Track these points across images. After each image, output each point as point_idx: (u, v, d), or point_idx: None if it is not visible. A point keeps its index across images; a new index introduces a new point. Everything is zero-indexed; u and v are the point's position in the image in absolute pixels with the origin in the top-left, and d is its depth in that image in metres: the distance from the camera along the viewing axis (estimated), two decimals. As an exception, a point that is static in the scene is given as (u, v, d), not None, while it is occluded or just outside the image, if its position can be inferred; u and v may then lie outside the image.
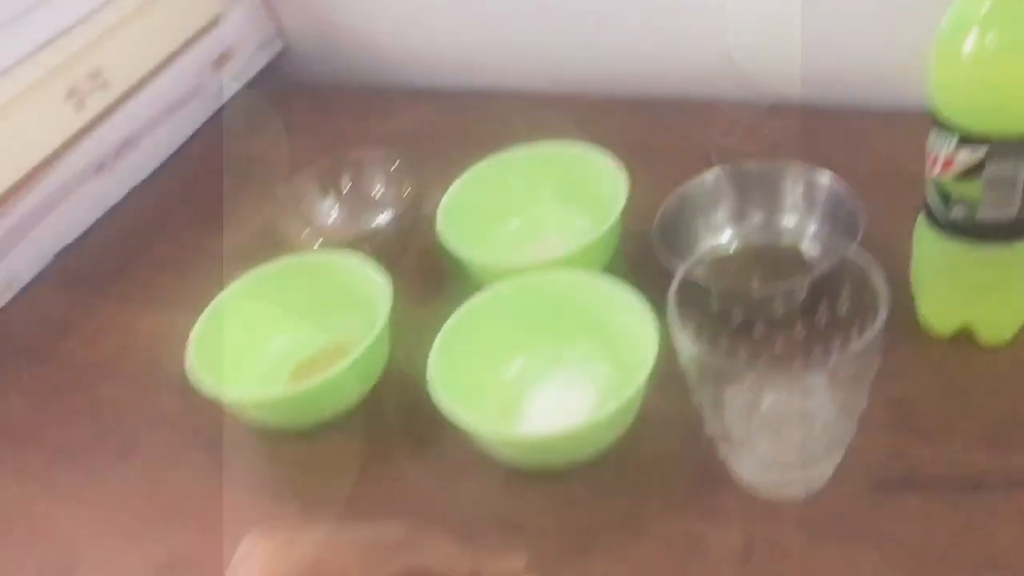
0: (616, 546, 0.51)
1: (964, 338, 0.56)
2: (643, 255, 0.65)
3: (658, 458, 0.55)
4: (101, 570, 0.58)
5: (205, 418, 0.64)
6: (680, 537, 0.51)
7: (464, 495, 0.56)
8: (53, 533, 0.60)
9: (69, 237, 0.84)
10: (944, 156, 0.48)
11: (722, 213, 0.66)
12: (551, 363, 0.61)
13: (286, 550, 0.43)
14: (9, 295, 0.80)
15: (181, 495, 0.61)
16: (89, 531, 0.60)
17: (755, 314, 0.52)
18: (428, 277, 0.71)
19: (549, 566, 0.50)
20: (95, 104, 0.84)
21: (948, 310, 0.56)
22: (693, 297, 0.49)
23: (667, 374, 0.54)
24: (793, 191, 0.64)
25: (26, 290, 0.81)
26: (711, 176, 0.66)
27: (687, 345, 0.46)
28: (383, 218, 0.72)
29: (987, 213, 0.49)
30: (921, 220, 0.54)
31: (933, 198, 0.51)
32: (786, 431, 0.49)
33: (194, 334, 0.62)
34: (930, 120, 0.50)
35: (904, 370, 0.55)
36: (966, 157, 0.48)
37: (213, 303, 0.64)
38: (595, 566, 0.50)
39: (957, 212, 0.50)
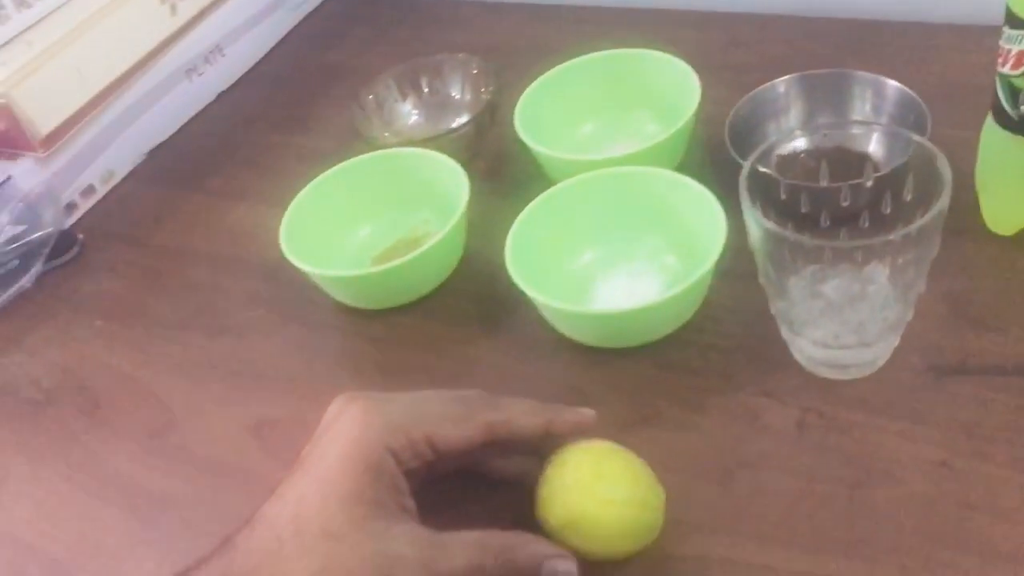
0: (678, 418, 0.54)
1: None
2: (714, 159, 0.68)
3: (721, 342, 0.58)
4: (197, 429, 0.62)
5: (292, 299, 0.69)
6: (739, 412, 0.54)
7: (537, 371, 0.60)
8: (154, 397, 0.65)
9: (162, 136, 0.89)
10: (1016, 51, 0.50)
11: (792, 118, 0.68)
12: (621, 255, 0.63)
13: (377, 407, 0.46)
14: (106, 188, 0.85)
15: (269, 366, 0.65)
16: (185, 397, 0.65)
17: (821, 205, 0.54)
18: (503, 176, 0.75)
19: (615, 434, 0.53)
20: (187, 9, 0.88)
21: (1012, 210, 0.57)
22: (761, 187, 0.52)
23: (733, 268, 0.57)
24: (861, 98, 0.66)
25: (122, 184, 0.86)
26: (782, 82, 0.68)
27: (756, 222, 0.48)
28: (461, 120, 0.75)
29: (1056, 108, 0.51)
30: (989, 120, 0.55)
31: (1002, 95, 0.53)
32: (846, 314, 0.51)
33: (284, 222, 0.66)
34: (997, 33, 0.51)
35: (964, 266, 0.57)
36: (1038, 52, 0.49)
37: (301, 193, 0.68)
38: (659, 435, 0.54)
39: (1026, 108, 0.52)
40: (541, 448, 0.48)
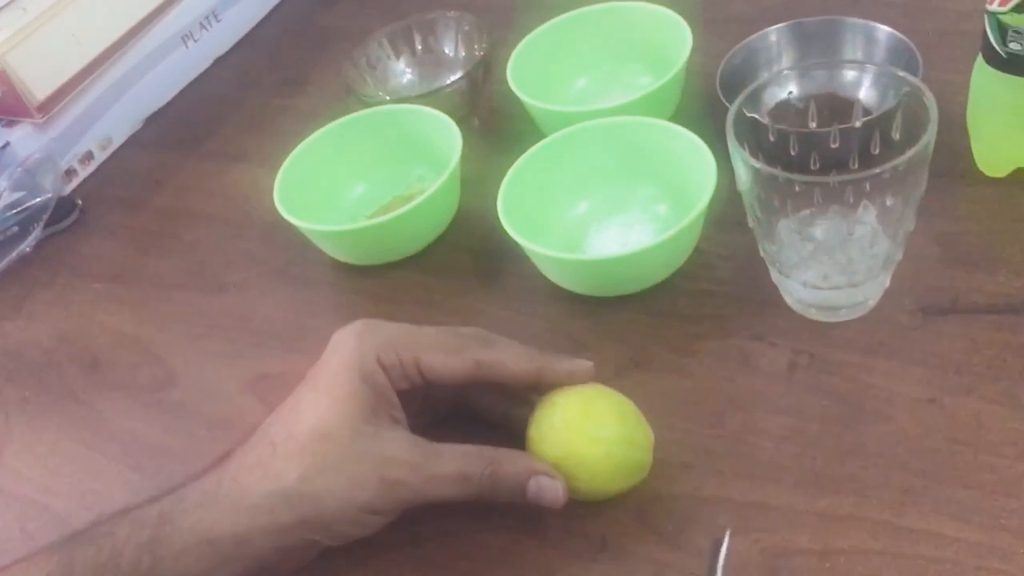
0: (671, 362, 0.55)
1: (1017, 180, 0.58)
2: (706, 110, 0.68)
3: (713, 288, 0.58)
4: (196, 385, 0.63)
5: (289, 257, 0.69)
6: (731, 355, 0.54)
7: (532, 321, 0.60)
8: (154, 354, 0.66)
9: (159, 102, 0.89)
10: (1003, -13, 0.50)
11: (784, 66, 0.67)
12: (614, 205, 0.64)
13: (373, 325, 0.48)
14: (105, 154, 0.86)
15: (267, 323, 0.66)
16: (185, 354, 0.66)
17: (810, 148, 0.54)
18: (498, 132, 0.75)
19: (608, 379, 0.53)
20: (181, -26, 0.88)
21: (1003, 151, 0.57)
22: (750, 133, 0.52)
23: (726, 216, 0.57)
24: (853, 44, 0.66)
25: (120, 150, 0.87)
26: (773, 31, 0.67)
27: (744, 161, 0.48)
28: (455, 77, 0.75)
29: (1044, 45, 0.50)
30: (979, 60, 0.55)
31: (991, 32, 0.52)
32: (837, 256, 0.52)
33: (278, 180, 0.66)
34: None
35: (955, 208, 0.57)
36: (1026, -12, 0.49)
37: (294, 152, 0.68)
38: (651, 379, 0.54)
39: (1014, 45, 0.51)
40: (533, 394, 0.49)
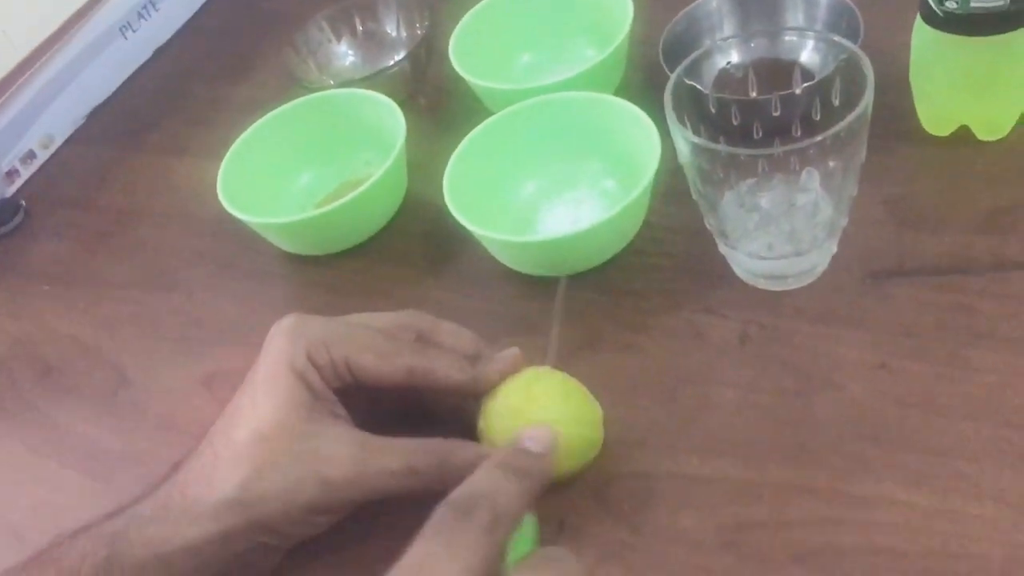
0: (622, 340, 0.54)
1: (961, 138, 0.58)
2: (651, 81, 0.67)
3: (661, 261, 0.58)
4: (150, 386, 0.62)
5: (237, 251, 0.68)
6: (682, 329, 0.54)
7: (483, 306, 0.59)
8: (106, 359, 0.65)
9: (100, 96, 0.87)
10: (937, -55, 0.49)
11: (727, 33, 0.67)
12: (562, 183, 0.63)
13: (304, 322, 0.48)
14: (47, 153, 0.84)
15: (218, 320, 0.65)
16: (137, 356, 0.65)
17: (753, 117, 0.53)
18: (445, 112, 0.74)
19: (564, 359, 0.53)
20: (115, -36, 0.86)
21: (945, 110, 0.57)
22: (691, 103, 0.51)
23: (672, 187, 0.57)
24: (794, 8, 0.66)
25: (63, 147, 0.85)
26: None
27: (685, 139, 0.48)
28: (398, 58, 0.74)
29: (979, 2, 0.50)
30: (918, 20, 0.55)
31: (927, -8, 0.52)
32: (781, 225, 0.51)
33: (221, 172, 0.65)
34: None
35: (901, 170, 0.57)
36: (959, -55, 0.49)
37: (236, 143, 0.67)
38: (603, 358, 0.54)
39: (950, 4, 0.51)
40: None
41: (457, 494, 0.38)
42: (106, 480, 0.58)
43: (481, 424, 0.47)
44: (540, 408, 0.46)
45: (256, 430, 0.44)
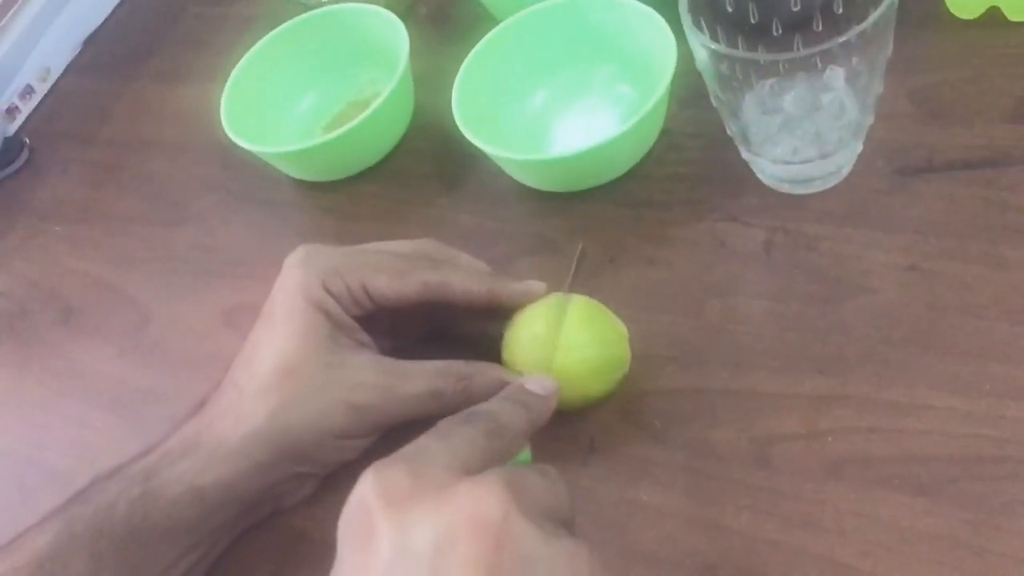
0: (645, 254, 0.53)
1: (991, 20, 0.55)
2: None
3: (682, 170, 0.56)
4: (171, 323, 0.62)
5: (247, 180, 0.67)
6: (706, 238, 0.53)
7: (500, 225, 0.58)
8: (125, 297, 0.65)
9: (94, 22, 0.85)
10: None
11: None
12: (574, 91, 0.61)
13: (316, 252, 0.48)
14: (46, 86, 0.82)
15: (233, 251, 0.64)
16: (155, 292, 0.64)
17: (772, 12, 0.51)
18: (448, 19, 0.71)
19: (584, 279, 0.52)
20: None
21: (973, -10, 0.54)
22: (707, 3, 0.49)
23: (690, 89, 0.55)
24: None
25: (61, 79, 0.83)
26: None
27: (701, 43, 0.46)
28: (396, -34, 0.71)
29: None
30: None
31: None
32: (806, 127, 0.50)
33: (224, 101, 0.64)
34: None
35: (926, 58, 0.55)
36: None
37: (237, 68, 0.65)
38: (627, 273, 0.53)
39: None
40: (490, 315, 0.48)
41: (462, 412, 0.39)
42: (134, 418, 0.58)
43: (506, 356, 0.46)
44: (564, 334, 0.45)
45: (279, 363, 0.44)
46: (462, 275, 0.47)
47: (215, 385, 0.47)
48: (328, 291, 0.45)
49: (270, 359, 0.45)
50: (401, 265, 0.47)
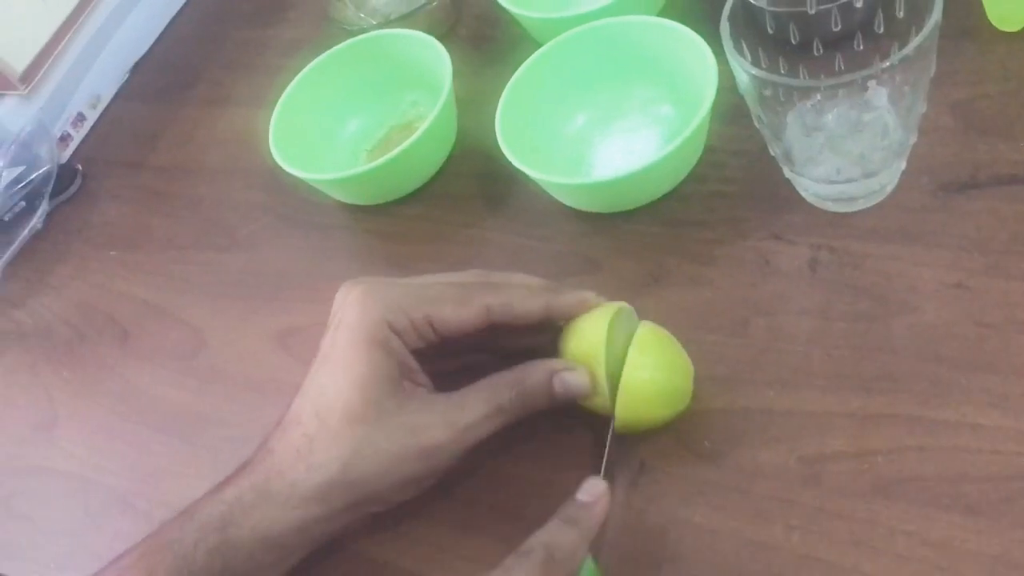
0: (689, 273, 0.54)
1: (1033, 32, 0.55)
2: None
3: (724, 188, 0.56)
4: (225, 346, 0.64)
5: (295, 203, 0.69)
6: (749, 258, 0.53)
7: (543, 245, 0.59)
8: (179, 321, 0.67)
9: (141, 49, 0.87)
10: None
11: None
12: (614, 112, 0.62)
13: (376, 289, 0.47)
14: (96, 113, 0.84)
15: (283, 274, 0.66)
16: (208, 316, 0.66)
17: (812, 32, 0.51)
18: (488, 40, 0.72)
19: (629, 297, 0.53)
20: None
21: (1017, 1, 0.54)
22: (748, 21, 0.49)
23: (731, 107, 0.55)
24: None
25: (111, 106, 0.85)
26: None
27: (743, 68, 0.46)
28: (435, -11, 0.72)
29: None
30: (985, -90, 0.52)
31: None
32: (847, 146, 0.50)
33: (272, 127, 0.65)
34: None
35: (969, 72, 0.55)
36: None
37: (284, 95, 0.67)
38: (670, 293, 0.54)
39: None
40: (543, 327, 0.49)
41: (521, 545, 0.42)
42: (193, 442, 0.60)
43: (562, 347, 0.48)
44: (634, 351, 0.46)
45: (347, 412, 0.44)
46: (521, 293, 0.48)
47: (277, 423, 0.47)
48: (393, 328, 0.46)
49: (336, 406, 0.45)
50: (461, 293, 0.47)
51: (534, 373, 0.46)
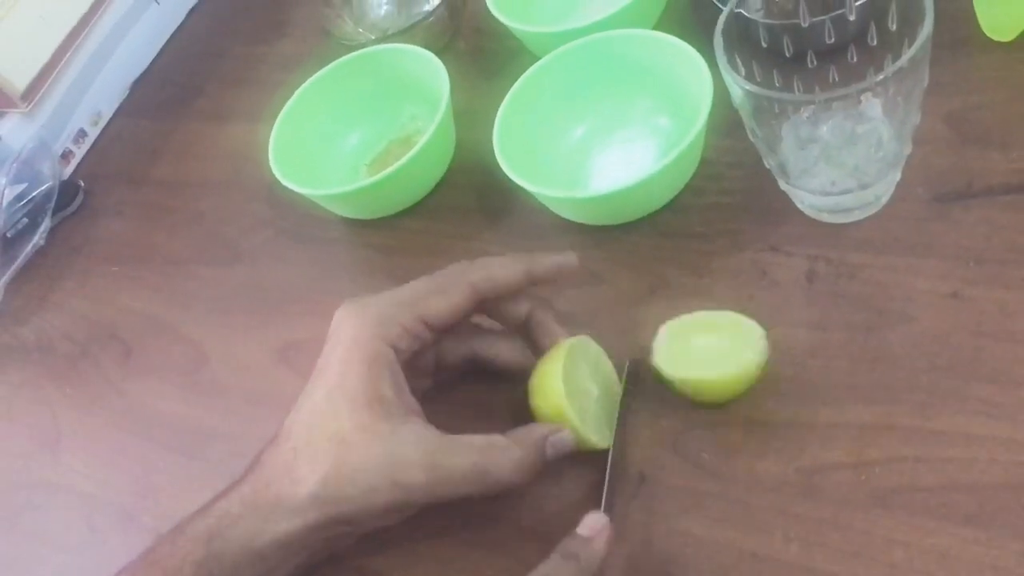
0: (686, 284, 0.54)
1: (1025, 42, 0.55)
2: (694, 11, 0.65)
3: (721, 200, 0.57)
4: (227, 361, 0.64)
5: (295, 217, 0.69)
6: (747, 269, 0.53)
7: (543, 257, 0.59)
8: (181, 336, 0.67)
9: (141, 66, 0.88)
10: None
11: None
12: (612, 124, 0.62)
13: (365, 306, 0.48)
14: (97, 129, 0.85)
15: (285, 289, 0.66)
16: (210, 331, 0.66)
17: (806, 44, 0.52)
18: (486, 53, 0.73)
19: (625, 309, 0.53)
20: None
21: (1008, 10, 0.54)
22: (742, 35, 0.50)
23: (727, 119, 0.55)
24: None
25: (112, 122, 0.86)
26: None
27: (737, 83, 0.47)
28: (434, 3, 0.72)
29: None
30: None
31: None
32: (841, 158, 0.50)
33: (272, 142, 0.65)
34: None
35: (962, 82, 0.55)
36: None
37: (284, 110, 0.67)
38: (668, 303, 0.53)
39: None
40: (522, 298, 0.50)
41: None
42: (196, 457, 0.60)
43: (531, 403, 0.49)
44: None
45: (335, 432, 0.44)
46: (499, 262, 0.49)
47: (271, 439, 0.48)
48: (387, 341, 0.46)
49: (325, 424, 0.45)
50: (443, 282, 0.49)
51: (526, 441, 0.46)
